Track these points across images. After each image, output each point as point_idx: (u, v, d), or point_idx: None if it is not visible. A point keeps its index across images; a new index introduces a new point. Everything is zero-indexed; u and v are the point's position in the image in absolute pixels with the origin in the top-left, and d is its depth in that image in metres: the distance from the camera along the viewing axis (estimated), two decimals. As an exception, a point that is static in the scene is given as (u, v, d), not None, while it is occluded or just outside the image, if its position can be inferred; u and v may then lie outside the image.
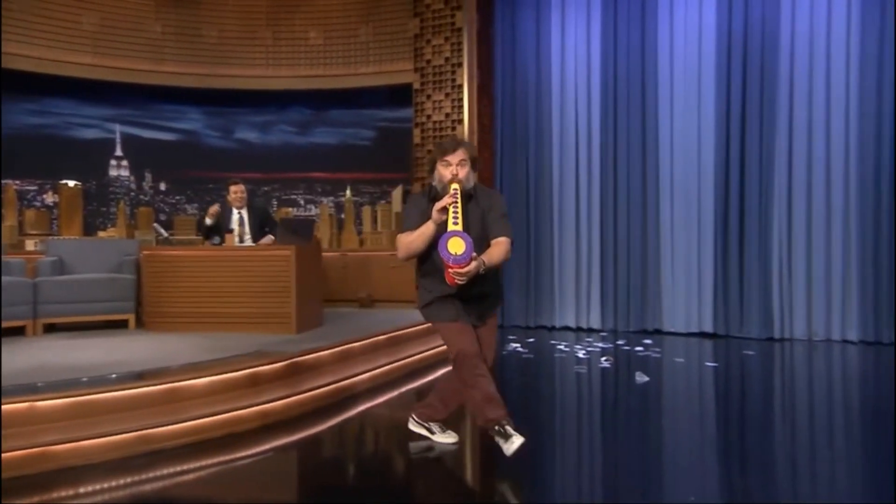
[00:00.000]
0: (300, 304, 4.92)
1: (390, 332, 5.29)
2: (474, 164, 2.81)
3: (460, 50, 6.68)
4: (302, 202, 8.12)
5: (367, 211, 7.71)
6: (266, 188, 8.04)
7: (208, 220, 5.39)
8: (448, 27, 6.74)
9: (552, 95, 7.02)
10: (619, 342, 6.14)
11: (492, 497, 2.77)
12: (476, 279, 2.61)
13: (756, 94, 6.23)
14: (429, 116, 6.88)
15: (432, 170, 2.82)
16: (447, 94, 6.77)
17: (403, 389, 4.51)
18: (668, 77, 6.58)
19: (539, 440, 3.42)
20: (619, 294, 6.77)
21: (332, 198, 8.02)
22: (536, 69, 7.04)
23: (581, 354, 5.62)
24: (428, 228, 2.71)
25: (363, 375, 4.43)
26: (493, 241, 2.74)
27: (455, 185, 2.67)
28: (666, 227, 6.62)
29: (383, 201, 7.78)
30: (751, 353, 5.62)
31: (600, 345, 6.05)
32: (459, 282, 2.56)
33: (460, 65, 6.70)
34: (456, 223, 2.57)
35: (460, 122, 6.72)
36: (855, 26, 5.92)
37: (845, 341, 5.97)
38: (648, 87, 6.63)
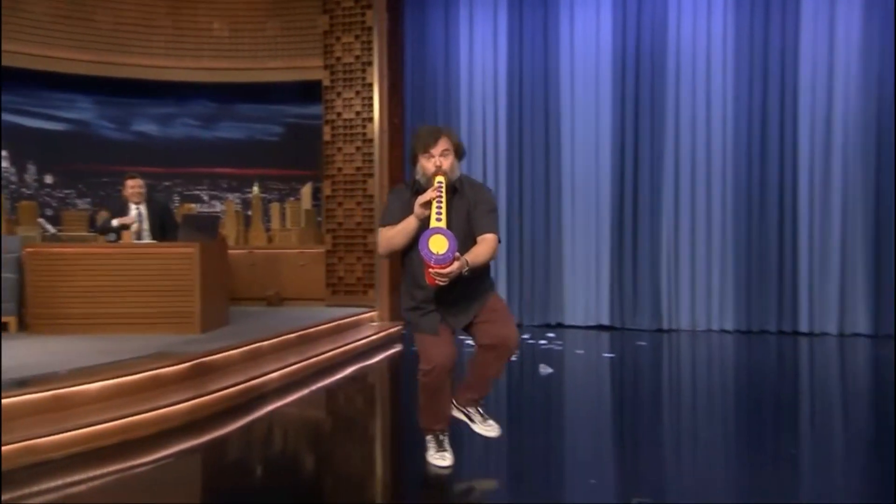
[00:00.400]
0: (205, 302, 4.77)
1: (300, 331, 5.24)
2: (459, 152, 2.62)
3: (370, 49, 6.69)
4: (206, 198, 7.81)
5: (275, 208, 7.55)
6: (167, 183, 7.67)
7: (114, 222, 5.09)
8: (358, 25, 6.73)
9: (460, 97, 7.20)
10: (525, 336, 6.40)
11: (401, 494, 2.83)
12: (458, 280, 2.42)
13: (647, 103, 6.67)
14: (339, 114, 6.84)
15: (414, 162, 2.63)
16: (357, 93, 6.76)
17: (314, 388, 4.48)
18: (569, 84, 6.92)
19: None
20: (524, 290, 7.06)
21: (238, 194, 7.77)
22: (445, 71, 7.19)
23: (489, 349, 5.80)
24: (409, 224, 2.52)
25: (272, 375, 4.37)
26: (479, 239, 2.56)
27: (440, 178, 2.49)
28: (567, 227, 6.97)
29: (293, 198, 7.65)
30: (643, 343, 6.05)
31: (507, 339, 6.26)
32: (440, 283, 2.36)
33: (371, 63, 6.70)
34: (439, 219, 2.38)
35: (371, 120, 6.73)
36: (730, 42, 6.48)
37: (723, 331, 6.55)
38: (551, 93, 6.95)
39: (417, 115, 7.26)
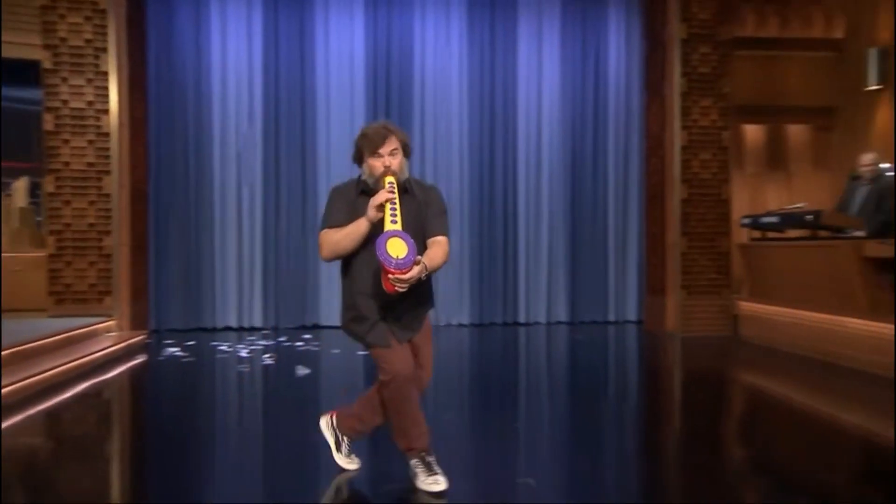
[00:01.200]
0: None
1: (12, 347, 4.55)
2: (406, 150, 2.52)
3: (105, 34, 6.01)
4: None
5: (-24, 204, 6.36)
6: None
7: None
8: (88, 6, 5.98)
9: (213, 94, 6.98)
10: (281, 339, 6.44)
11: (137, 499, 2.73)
12: (412, 287, 2.31)
13: (396, 113, 7.22)
14: (65, 102, 6.02)
15: (360, 161, 2.51)
16: (89, 80, 6.03)
17: (32, 412, 3.95)
18: (325, 88, 7.17)
19: (198, 441, 3.47)
20: (280, 292, 7.10)
21: (-79, 186, 6.35)
22: (196, 66, 6.90)
23: (244, 353, 5.73)
24: (360, 227, 2.38)
25: (-26, 402, 3.74)
26: (431, 241, 2.47)
27: (390, 179, 2.39)
28: (324, 228, 7.20)
29: (2, 193, 6.52)
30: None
31: (263, 342, 6.25)
32: (399, 289, 2.25)
33: (105, 50, 6.03)
34: (395, 221, 2.29)
35: (106, 112, 6.06)
36: (465, 65, 7.38)
37: (460, 325, 7.43)
38: (307, 95, 7.13)
39: (164, 109, 6.83)
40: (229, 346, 6.04)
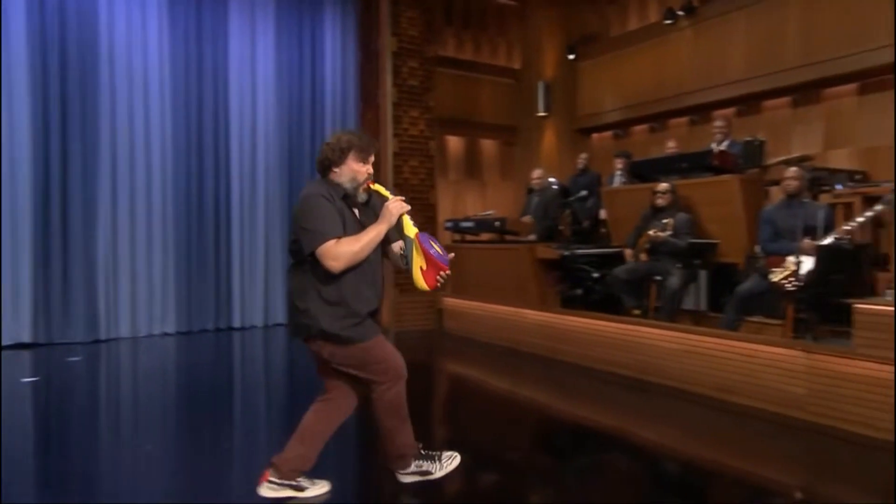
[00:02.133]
0: None
1: None
2: None
3: None
4: None
5: None
6: None
7: None
8: None
9: None
10: None
11: None
12: (383, 289, 2.66)
13: (77, 98, 6.12)
14: None
15: (337, 163, 2.53)
16: None
17: None
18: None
19: None
20: None
21: None
22: None
23: None
24: (381, 234, 2.51)
25: None
26: (396, 246, 2.71)
27: (377, 186, 2.60)
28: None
29: None
30: (76, 358, 5.53)
31: None
32: (440, 284, 2.52)
33: None
34: (415, 225, 2.55)
35: None
36: (166, 53, 6.57)
37: (164, 334, 6.65)
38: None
39: None
40: None
